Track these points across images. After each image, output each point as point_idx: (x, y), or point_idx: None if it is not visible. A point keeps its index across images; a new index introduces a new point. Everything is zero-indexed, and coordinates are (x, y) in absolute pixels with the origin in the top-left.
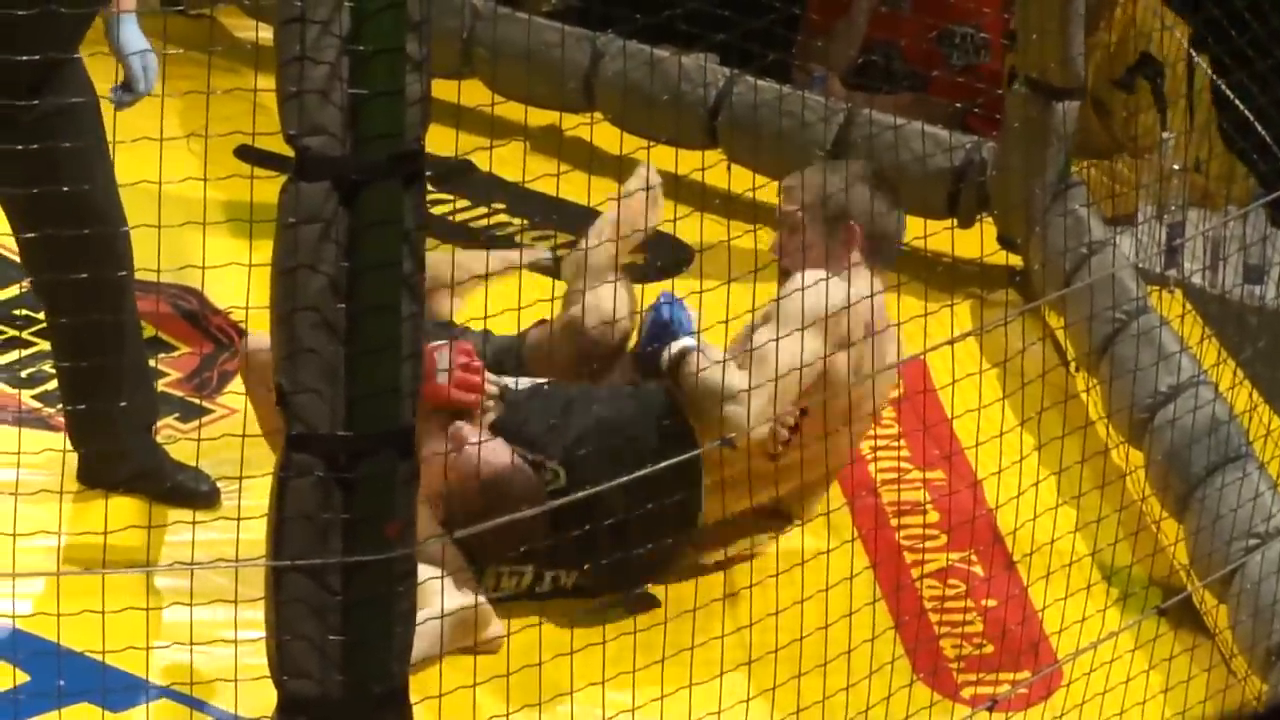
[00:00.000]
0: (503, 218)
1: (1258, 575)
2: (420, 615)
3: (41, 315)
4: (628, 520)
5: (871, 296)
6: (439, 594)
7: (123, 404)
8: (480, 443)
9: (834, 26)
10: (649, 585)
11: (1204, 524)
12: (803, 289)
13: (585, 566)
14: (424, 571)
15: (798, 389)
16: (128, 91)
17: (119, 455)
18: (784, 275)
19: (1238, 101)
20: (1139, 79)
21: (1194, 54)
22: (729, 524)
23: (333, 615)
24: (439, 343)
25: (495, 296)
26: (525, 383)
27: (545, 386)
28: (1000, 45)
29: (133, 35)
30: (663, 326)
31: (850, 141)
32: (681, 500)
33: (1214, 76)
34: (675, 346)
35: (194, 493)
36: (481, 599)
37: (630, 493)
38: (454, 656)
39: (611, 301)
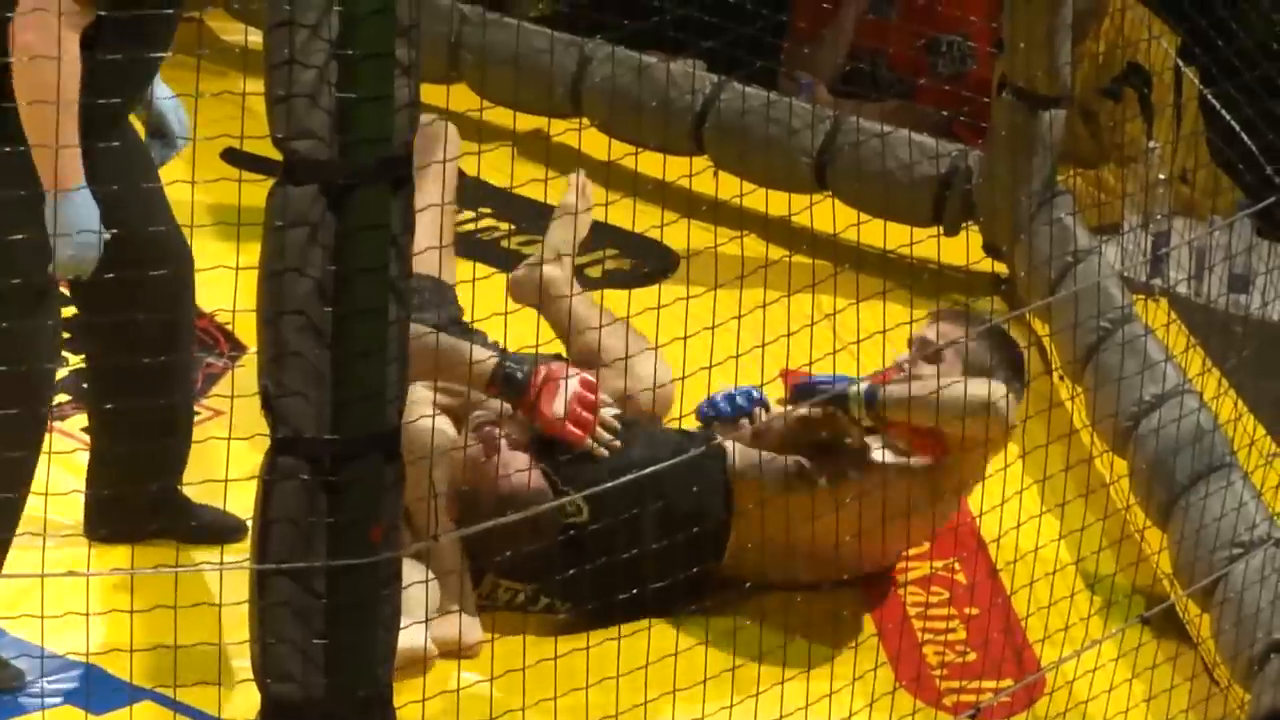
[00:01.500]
0: (489, 222)
1: (1241, 584)
2: (405, 619)
3: None
4: (643, 572)
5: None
6: (425, 595)
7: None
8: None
9: (821, 34)
10: None
11: (1187, 533)
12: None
13: (587, 606)
14: (414, 573)
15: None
16: (166, 145)
17: (147, 505)
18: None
19: (1223, 111)
20: (1125, 88)
21: (1181, 64)
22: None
23: (317, 618)
24: (565, 367)
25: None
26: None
27: None
28: (987, 53)
29: (161, 86)
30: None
31: (837, 148)
32: (703, 558)
33: (1201, 87)
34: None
35: (222, 528)
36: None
37: (652, 544)
38: (437, 662)
39: (652, 369)
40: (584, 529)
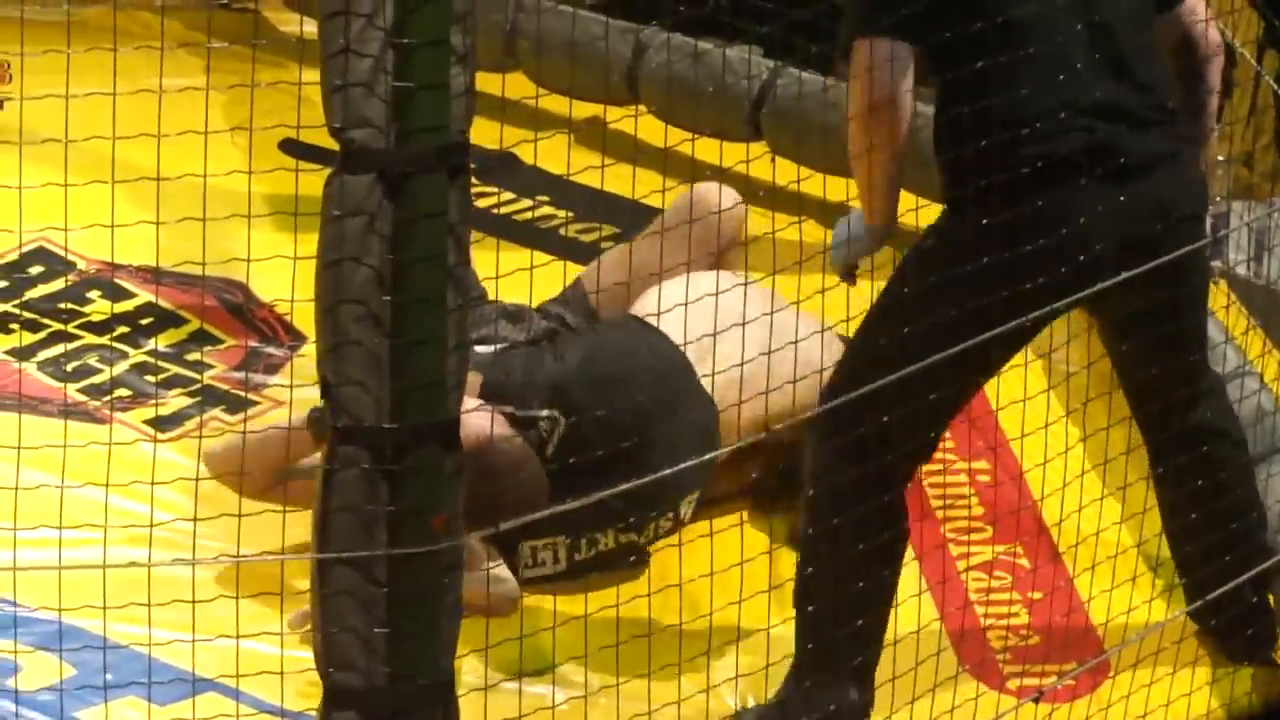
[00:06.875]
0: (547, 210)
1: None
2: None
3: (87, 310)
4: (643, 445)
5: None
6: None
7: None
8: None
9: None
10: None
11: None
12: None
13: (625, 522)
14: None
15: None
16: None
17: None
18: None
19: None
20: None
21: (1264, 46)
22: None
23: (378, 608)
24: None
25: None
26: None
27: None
28: None
29: None
30: None
31: None
32: (697, 418)
33: (1257, 66)
34: None
35: None
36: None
37: (638, 415)
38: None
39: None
40: (569, 438)
